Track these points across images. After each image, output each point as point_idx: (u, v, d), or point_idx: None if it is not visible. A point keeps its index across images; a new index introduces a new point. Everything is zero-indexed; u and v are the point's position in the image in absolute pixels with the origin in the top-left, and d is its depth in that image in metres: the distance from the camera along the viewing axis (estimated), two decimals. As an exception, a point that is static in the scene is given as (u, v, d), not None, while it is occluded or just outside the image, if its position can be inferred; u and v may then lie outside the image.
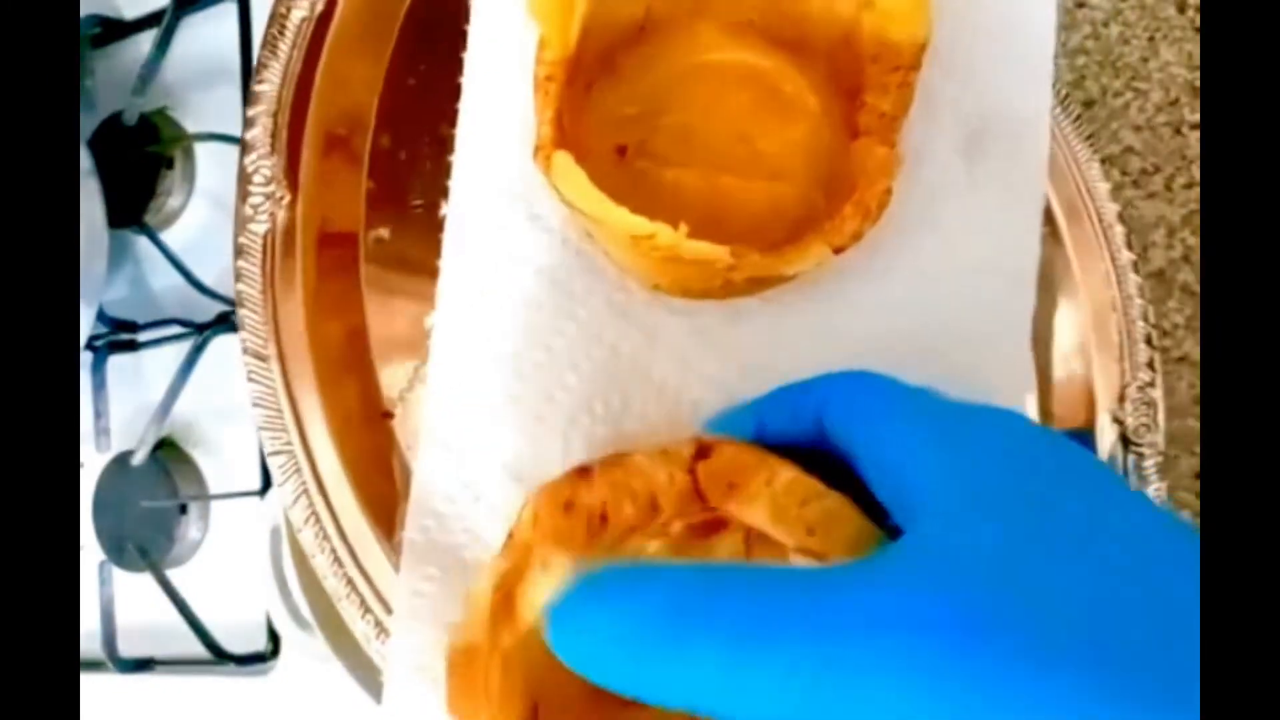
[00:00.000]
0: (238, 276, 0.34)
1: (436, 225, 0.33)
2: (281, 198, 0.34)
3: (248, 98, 0.35)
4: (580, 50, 0.29)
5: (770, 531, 0.23)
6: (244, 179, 0.34)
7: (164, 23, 0.52)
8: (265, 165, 0.34)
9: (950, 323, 0.33)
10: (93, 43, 0.55)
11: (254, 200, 0.34)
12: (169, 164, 0.53)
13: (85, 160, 0.50)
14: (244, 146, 0.34)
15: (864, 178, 0.30)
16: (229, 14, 0.51)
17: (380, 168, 0.35)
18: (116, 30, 0.55)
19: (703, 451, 0.25)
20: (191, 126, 0.53)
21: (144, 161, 0.53)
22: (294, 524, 0.33)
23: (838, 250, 0.29)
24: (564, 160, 0.28)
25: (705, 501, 0.25)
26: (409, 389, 0.34)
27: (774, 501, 0.24)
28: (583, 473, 0.26)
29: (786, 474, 0.24)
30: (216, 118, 0.52)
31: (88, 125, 0.53)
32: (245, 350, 0.33)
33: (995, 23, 0.34)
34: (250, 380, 0.33)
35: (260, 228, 0.34)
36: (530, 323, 0.31)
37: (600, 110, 0.32)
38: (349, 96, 0.35)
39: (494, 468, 0.31)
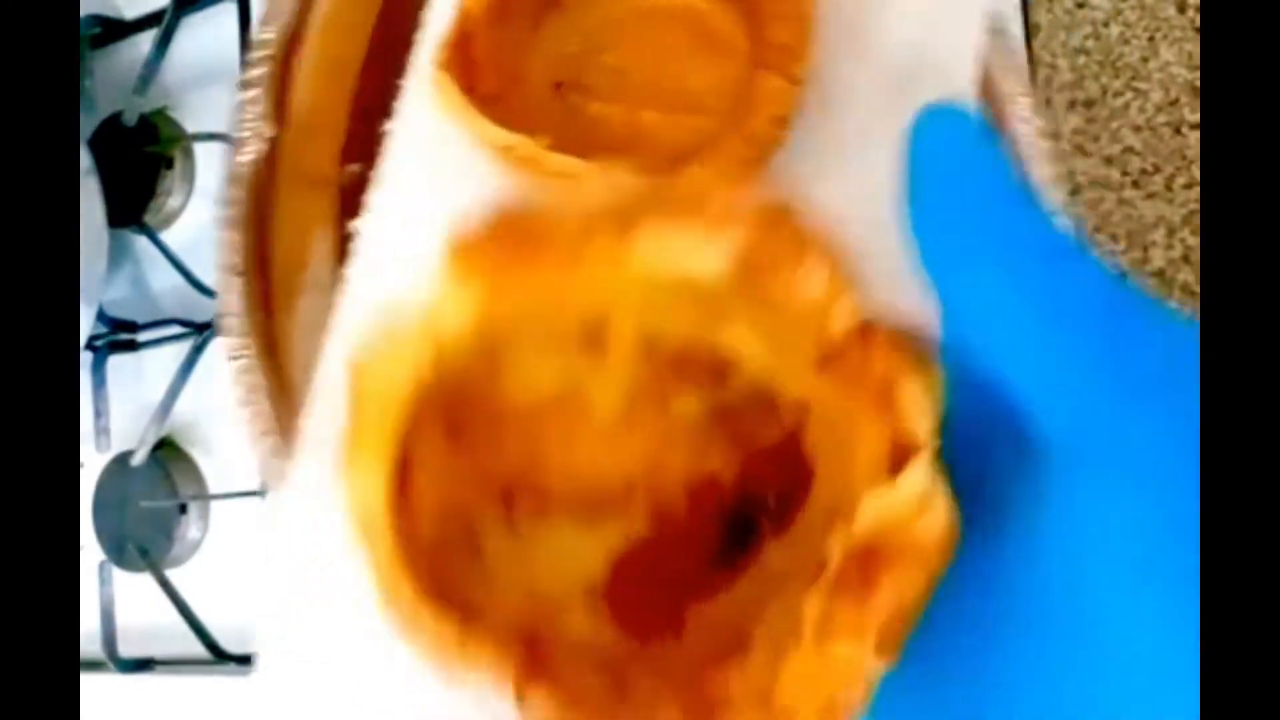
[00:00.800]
0: (225, 203, 0.38)
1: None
2: (269, 135, 0.39)
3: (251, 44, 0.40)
4: None
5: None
6: (240, 113, 0.38)
7: (164, 23, 0.52)
8: (259, 101, 0.39)
9: (870, 264, 0.33)
10: (93, 43, 0.55)
11: (244, 133, 0.39)
12: (169, 164, 0.53)
13: (85, 160, 0.50)
14: (243, 84, 0.39)
15: (753, 109, 0.30)
16: (229, 14, 0.51)
17: (362, 111, 0.39)
18: (116, 30, 0.55)
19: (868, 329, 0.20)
20: (191, 126, 0.53)
21: (144, 161, 0.53)
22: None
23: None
24: (441, 78, 0.29)
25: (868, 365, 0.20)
26: None
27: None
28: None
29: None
30: (216, 118, 0.52)
31: (88, 125, 0.53)
32: (221, 268, 0.37)
33: None
34: (224, 293, 0.38)
35: (248, 157, 0.39)
36: None
37: (544, 47, 0.33)
38: (341, 44, 0.40)
39: None
